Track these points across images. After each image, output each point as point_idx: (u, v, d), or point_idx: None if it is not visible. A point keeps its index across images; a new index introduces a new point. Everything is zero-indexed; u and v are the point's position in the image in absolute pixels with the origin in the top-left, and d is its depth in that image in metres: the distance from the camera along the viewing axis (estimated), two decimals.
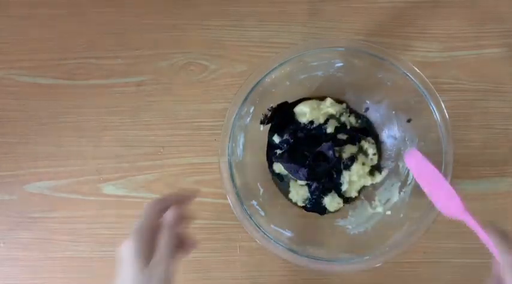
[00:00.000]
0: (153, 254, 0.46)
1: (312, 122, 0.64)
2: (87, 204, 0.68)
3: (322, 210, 0.65)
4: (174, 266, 0.46)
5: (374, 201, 0.64)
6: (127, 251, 0.46)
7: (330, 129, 0.64)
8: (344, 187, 0.65)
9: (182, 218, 0.49)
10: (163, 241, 0.46)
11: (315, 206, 0.65)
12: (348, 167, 0.64)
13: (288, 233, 0.62)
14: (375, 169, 0.66)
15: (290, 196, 0.66)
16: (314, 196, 0.65)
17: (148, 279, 0.44)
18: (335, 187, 0.65)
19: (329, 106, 0.64)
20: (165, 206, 0.49)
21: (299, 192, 0.65)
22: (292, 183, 0.66)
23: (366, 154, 0.65)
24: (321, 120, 0.65)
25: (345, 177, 0.64)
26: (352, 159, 0.64)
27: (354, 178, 0.64)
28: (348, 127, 0.65)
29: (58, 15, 0.70)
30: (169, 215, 0.48)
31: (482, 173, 0.67)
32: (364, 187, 0.66)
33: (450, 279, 0.66)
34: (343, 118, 0.65)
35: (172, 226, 0.47)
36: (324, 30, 0.69)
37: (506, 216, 0.66)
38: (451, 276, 0.66)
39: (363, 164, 0.65)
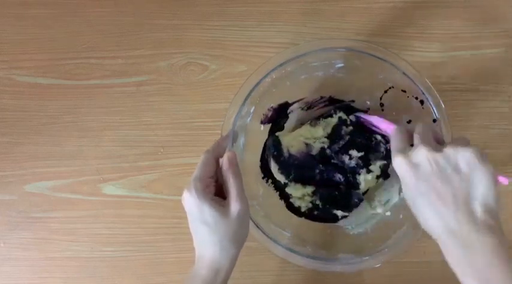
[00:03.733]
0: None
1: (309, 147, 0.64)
2: (87, 204, 0.68)
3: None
4: (247, 203, 0.50)
5: (374, 201, 0.64)
6: (196, 197, 0.48)
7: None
8: (362, 187, 0.64)
9: (236, 160, 0.52)
10: (231, 182, 0.50)
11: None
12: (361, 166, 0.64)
13: (288, 233, 0.62)
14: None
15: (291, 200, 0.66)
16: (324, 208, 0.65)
17: (227, 220, 0.48)
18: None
19: (309, 131, 0.64)
20: (220, 153, 0.53)
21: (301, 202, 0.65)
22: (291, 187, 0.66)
23: (376, 150, 0.65)
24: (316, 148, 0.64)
25: (362, 176, 0.64)
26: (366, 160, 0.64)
27: (368, 177, 0.64)
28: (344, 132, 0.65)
29: (58, 15, 0.70)
30: (225, 160, 0.51)
31: None
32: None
33: (450, 279, 0.66)
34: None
35: (233, 167, 0.50)
36: (324, 30, 0.69)
37: (506, 216, 0.66)
38: (451, 276, 0.66)
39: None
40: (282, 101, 0.64)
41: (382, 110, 0.64)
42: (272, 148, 0.64)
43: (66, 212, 0.68)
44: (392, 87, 0.60)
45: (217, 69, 0.69)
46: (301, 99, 0.64)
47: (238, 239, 0.50)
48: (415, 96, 0.58)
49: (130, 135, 0.68)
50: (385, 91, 0.62)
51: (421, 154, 0.43)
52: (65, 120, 0.69)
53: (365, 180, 0.64)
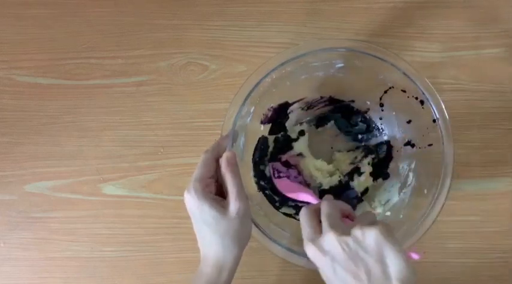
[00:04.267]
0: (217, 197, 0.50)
1: None
2: (87, 204, 0.68)
3: None
4: (247, 202, 0.50)
5: (374, 201, 0.64)
6: (196, 198, 0.48)
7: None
8: (357, 190, 0.65)
9: (235, 160, 0.52)
10: (230, 182, 0.50)
11: None
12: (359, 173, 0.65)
13: (288, 233, 0.62)
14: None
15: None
16: None
17: (227, 219, 0.48)
18: None
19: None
20: (219, 153, 0.52)
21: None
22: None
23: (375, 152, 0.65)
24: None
25: (355, 182, 0.65)
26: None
27: (362, 179, 0.64)
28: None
29: (58, 15, 0.70)
30: (224, 160, 0.51)
31: (482, 173, 0.67)
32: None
33: (450, 279, 0.66)
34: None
35: (232, 167, 0.50)
36: (324, 30, 0.69)
37: (506, 216, 0.66)
38: (451, 276, 0.66)
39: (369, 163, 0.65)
40: (282, 101, 0.64)
41: (382, 110, 0.64)
42: (258, 153, 0.64)
43: (66, 212, 0.68)
44: (393, 87, 0.60)
45: (217, 69, 0.69)
46: (301, 99, 0.64)
47: (240, 238, 0.51)
48: (415, 96, 0.58)
49: (130, 135, 0.68)
50: (385, 92, 0.62)
51: (330, 240, 0.44)
52: (65, 120, 0.69)
53: (358, 183, 0.64)
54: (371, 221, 0.45)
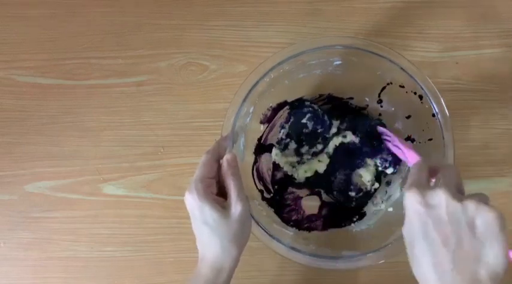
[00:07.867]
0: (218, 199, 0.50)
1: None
2: (87, 204, 0.68)
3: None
4: (247, 204, 0.50)
5: (376, 197, 0.64)
6: (197, 198, 0.48)
7: None
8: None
9: (236, 162, 0.52)
10: (230, 184, 0.50)
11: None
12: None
13: (290, 232, 0.62)
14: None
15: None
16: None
17: (227, 221, 0.48)
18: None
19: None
20: (220, 154, 0.52)
21: None
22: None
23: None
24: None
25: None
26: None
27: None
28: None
29: (58, 15, 0.70)
30: (224, 162, 0.51)
31: (482, 173, 0.67)
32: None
33: None
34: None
35: (232, 169, 0.50)
36: (324, 30, 0.69)
37: (506, 216, 0.66)
38: None
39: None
40: (281, 100, 0.64)
41: (381, 106, 0.64)
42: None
43: (66, 212, 0.68)
44: (391, 83, 0.61)
45: (217, 69, 0.69)
46: (300, 98, 0.64)
47: (239, 240, 0.50)
48: (413, 91, 0.58)
49: (130, 135, 0.68)
50: (384, 88, 0.62)
51: (440, 198, 0.41)
52: (65, 120, 0.69)
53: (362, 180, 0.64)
54: (483, 200, 0.41)
